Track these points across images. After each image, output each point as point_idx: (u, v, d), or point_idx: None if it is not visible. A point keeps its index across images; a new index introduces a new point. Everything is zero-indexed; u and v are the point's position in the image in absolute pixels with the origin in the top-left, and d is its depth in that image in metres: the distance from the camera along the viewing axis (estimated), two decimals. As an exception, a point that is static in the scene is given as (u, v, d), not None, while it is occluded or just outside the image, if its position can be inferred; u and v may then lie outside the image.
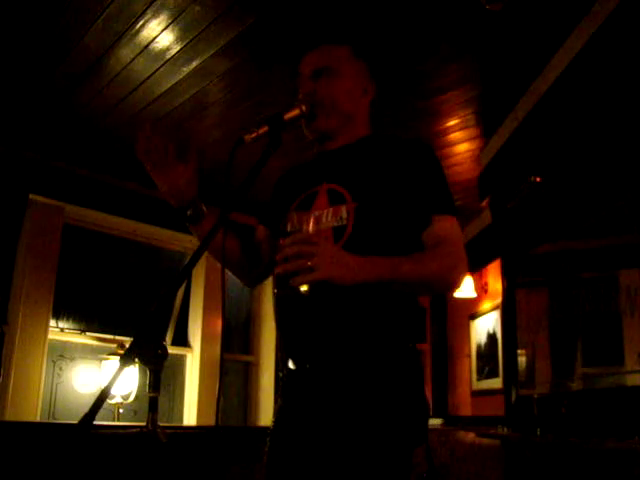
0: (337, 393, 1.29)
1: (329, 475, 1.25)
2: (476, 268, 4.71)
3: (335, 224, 1.34)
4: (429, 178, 1.41)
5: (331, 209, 1.37)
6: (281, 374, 1.55)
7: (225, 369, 4.61)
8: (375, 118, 1.58)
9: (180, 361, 4.39)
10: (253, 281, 1.68)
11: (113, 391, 3.62)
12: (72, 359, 3.87)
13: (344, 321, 1.31)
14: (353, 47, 1.53)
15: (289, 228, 1.40)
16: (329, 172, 1.45)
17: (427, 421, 1.36)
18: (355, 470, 1.23)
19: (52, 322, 3.71)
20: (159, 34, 2.55)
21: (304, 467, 1.31)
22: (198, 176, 1.42)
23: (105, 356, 3.77)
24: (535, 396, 3.17)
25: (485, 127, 3.41)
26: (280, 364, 4.99)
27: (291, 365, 1.43)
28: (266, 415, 4.61)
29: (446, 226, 1.36)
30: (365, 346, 1.31)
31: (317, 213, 1.37)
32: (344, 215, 1.34)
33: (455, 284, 1.36)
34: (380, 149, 1.47)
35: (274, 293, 1.30)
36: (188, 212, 1.44)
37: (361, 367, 1.29)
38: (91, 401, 0.90)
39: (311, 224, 1.23)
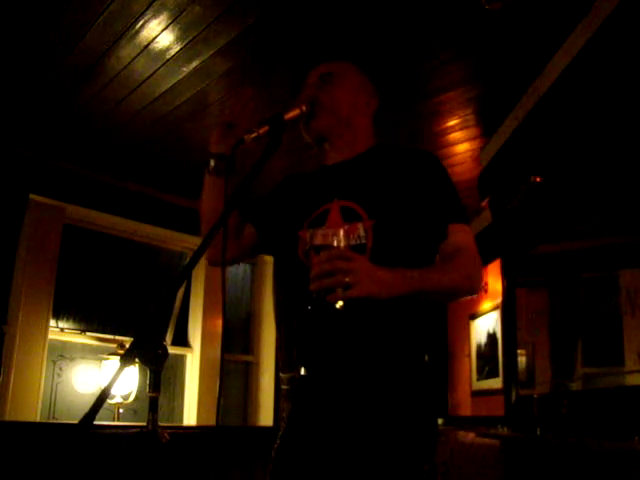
0: (355, 404, 1.30)
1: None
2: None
3: (353, 242, 1.34)
4: (441, 189, 1.44)
5: (346, 226, 1.36)
6: (282, 375, 1.55)
7: (225, 369, 4.61)
8: (377, 131, 1.58)
9: (180, 361, 4.39)
10: (218, 260, 1.58)
11: (113, 391, 3.62)
12: (72, 359, 3.87)
13: (376, 336, 1.33)
14: (357, 63, 1.57)
15: (307, 245, 1.39)
16: (339, 188, 1.45)
17: (437, 435, 1.38)
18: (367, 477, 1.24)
19: (52, 322, 3.71)
20: (159, 34, 2.55)
21: (318, 473, 1.31)
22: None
23: (105, 356, 3.77)
24: (535, 396, 3.17)
25: (485, 127, 3.40)
26: (280, 364, 4.97)
27: (303, 372, 1.43)
28: (266, 415, 4.62)
29: (462, 235, 1.41)
30: (387, 358, 1.33)
31: (335, 230, 1.34)
32: (362, 233, 1.35)
33: (477, 290, 1.42)
34: (387, 162, 1.49)
35: (307, 309, 1.28)
36: (212, 162, 1.47)
37: (379, 378, 1.31)
38: (91, 401, 0.90)
39: (342, 239, 1.21)
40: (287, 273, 1.51)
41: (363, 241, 1.34)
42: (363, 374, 1.32)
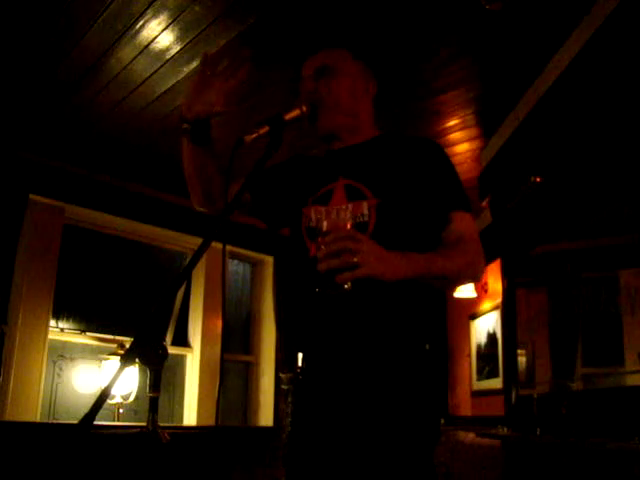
0: (357, 393, 1.32)
1: (353, 472, 1.28)
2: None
3: (356, 220, 1.36)
4: (445, 176, 1.46)
5: (350, 205, 1.39)
6: (282, 375, 1.55)
7: (225, 369, 4.61)
8: (379, 118, 1.59)
9: (180, 361, 4.39)
10: (206, 204, 1.59)
11: (113, 391, 3.62)
12: (72, 359, 3.87)
13: (381, 320, 1.35)
14: (352, 50, 1.56)
15: (312, 223, 1.42)
16: (344, 168, 1.47)
17: (439, 422, 1.40)
18: (377, 468, 1.26)
19: (52, 322, 3.71)
20: (159, 34, 2.55)
21: (328, 464, 1.33)
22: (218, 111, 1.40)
23: (105, 356, 3.77)
24: (535, 396, 3.17)
25: (485, 127, 3.41)
26: (281, 365, 4.98)
27: (306, 362, 1.44)
28: (266, 415, 4.61)
29: (465, 223, 1.42)
30: (390, 344, 1.34)
31: (339, 208, 1.38)
32: (365, 212, 1.37)
33: (479, 277, 1.44)
34: (393, 147, 1.51)
35: (314, 291, 1.27)
36: (187, 127, 1.41)
37: (382, 366, 1.33)
38: (91, 401, 0.90)
39: (349, 220, 1.22)
40: (289, 251, 1.52)
41: (366, 219, 1.36)
42: (366, 361, 1.33)
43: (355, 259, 1.17)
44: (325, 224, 1.23)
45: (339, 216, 1.22)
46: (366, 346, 1.34)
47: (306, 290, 1.40)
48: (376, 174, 1.43)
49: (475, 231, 1.44)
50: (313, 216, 1.43)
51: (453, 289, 4.73)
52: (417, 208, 1.41)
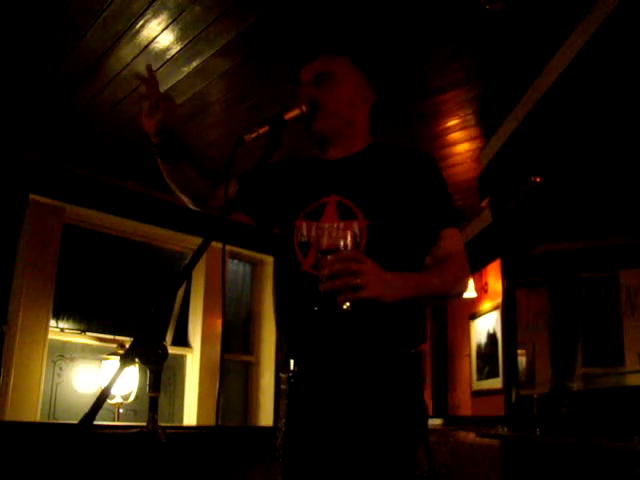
0: (349, 398, 1.34)
1: (342, 473, 1.30)
2: (476, 268, 4.71)
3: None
4: (436, 193, 1.47)
5: (342, 224, 1.39)
6: (282, 375, 1.57)
7: (225, 369, 4.61)
8: (375, 124, 1.60)
9: (180, 361, 4.39)
10: (198, 205, 1.66)
11: (113, 391, 3.62)
12: (72, 359, 3.87)
13: (375, 336, 1.37)
14: (352, 57, 1.57)
15: (303, 238, 1.43)
16: (336, 183, 1.47)
17: (427, 422, 1.44)
18: (364, 468, 1.28)
19: (52, 322, 3.71)
20: (159, 34, 2.55)
21: (320, 465, 1.35)
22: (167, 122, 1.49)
23: (105, 356, 3.77)
24: (535, 396, 3.16)
25: (485, 127, 3.41)
26: (281, 365, 4.98)
27: (298, 367, 1.45)
28: (266, 415, 4.62)
29: (453, 240, 1.45)
30: (382, 355, 1.37)
31: (331, 225, 1.40)
32: (357, 232, 1.38)
33: (464, 293, 1.49)
34: (384, 162, 1.51)
35: (313, 310, 1.26)
36: (156, 149, 1.51)
37: (375, 373, 1.35)
38: (91, 401, 0.90)
39: (349, 239, 1.21)
40: (283, 265, 1.53)
41: (357, 240, 1.37)
42: (356, 366, 1.35)
43: (358, 281, 1.18)
44: (325, 241, 1.22)
45: (337, 234, 1.22)
46: (357, 354, 1.36)
47: (303, 307, 1.40)
48: (367, 194, 1.44)
49: (462, 248, 1.47)
50: (305, 231, 1.44)
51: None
52: (407, 227, 1.43)
